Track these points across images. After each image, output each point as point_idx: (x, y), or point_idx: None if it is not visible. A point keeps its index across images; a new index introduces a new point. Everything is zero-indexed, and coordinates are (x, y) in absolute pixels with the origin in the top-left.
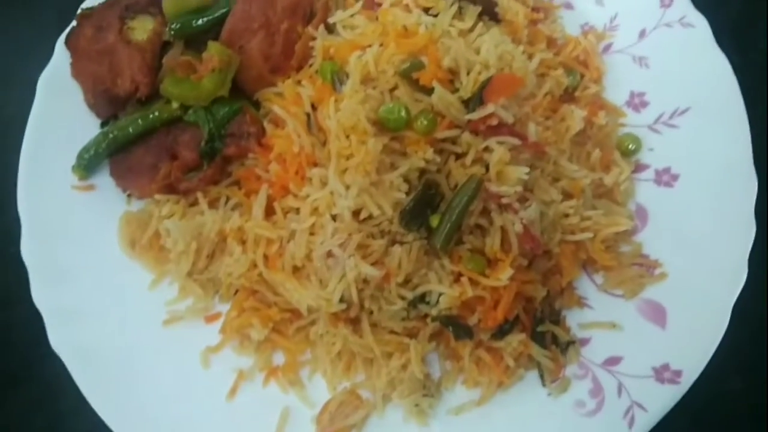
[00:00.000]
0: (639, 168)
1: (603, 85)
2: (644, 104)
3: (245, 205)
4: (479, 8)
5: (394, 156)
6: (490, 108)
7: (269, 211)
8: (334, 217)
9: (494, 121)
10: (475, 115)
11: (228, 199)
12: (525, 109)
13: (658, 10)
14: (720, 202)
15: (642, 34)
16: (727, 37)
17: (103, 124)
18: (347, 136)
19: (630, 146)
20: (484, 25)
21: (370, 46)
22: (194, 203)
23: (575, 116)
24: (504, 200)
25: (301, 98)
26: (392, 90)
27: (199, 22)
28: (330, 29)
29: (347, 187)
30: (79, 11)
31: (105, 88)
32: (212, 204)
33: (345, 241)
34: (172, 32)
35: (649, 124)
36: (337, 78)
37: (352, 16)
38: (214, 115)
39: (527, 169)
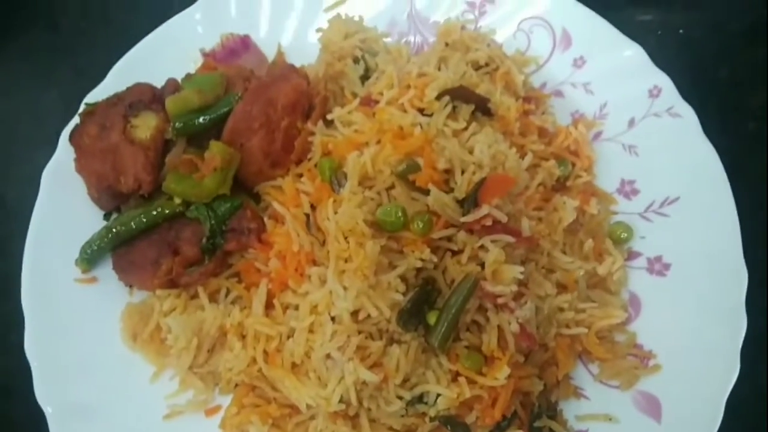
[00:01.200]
0: (631, 256)
1: (594, 172)
2: (635, 192)
3: (245, 298)
4: (472, 107)
5: (391, 255)
6: (484, 210)
7: (269, 305)
8: (332, 318)
9: (489, 221)
10: (470, 218)
11: (228, 291)
12: (518, 205)
13: (646, 100)
14: (711, 293)
15: (631, 122)
16: (715, 120)
17: (106, 217)
18: (345, 238)
19: (622, 235)
20: (477, 121)
21: (367, 143)
22: (195, 296)
23: (567, 207)
24: (500, 300)
25: (300, 197)
26: (389, 189)
27: (201, 120)
28: (328, 123)
29: (345, 289)
30: (82, 107)
31: (108, 184)
32: (212, 296)
33: (344, 344)
34: (175, 131)
35: (640, 212)
36: (335, 177)
37: (349, 112)
38: (215, 211)
39: (522, 269)
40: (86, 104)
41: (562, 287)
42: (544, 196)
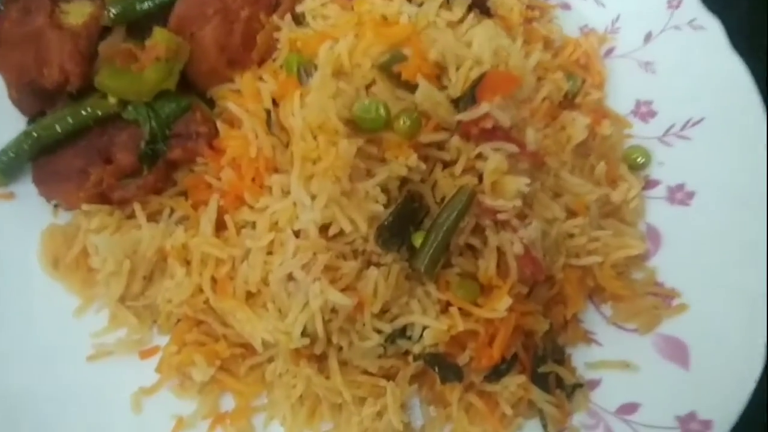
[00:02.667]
0: (649, 184)
1: (605, 92)
2: (652, 114)
3: (192, 218)
4: (468, 0)
5: (370, 162)
6: (484, 107)
7: (220, 226)
8: (296, 234)
9: (488, 124)
10: (466, 116)
11: (172, 211)
12: (523, 112)
13: (665, 12)
14: (741, 223)
15: (648, 37)
16: (741, 39)
17: (30, 123)
18: (314, 137)
19: (638, 159)
20: (475, 17)
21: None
22: (131, 216)
23: (577, 124)
24: (500, 216)
25: (260, 94)
26: (369, 86)
27: (144, 5)
28: (298, 20)
29: (313, 197)
30: None
31: (30, 79)
32: (153, 217)
33: (309, 262)
34: (112, 16)
35: (658, 135)
36: (304, 71)
37: (323, 5)
38: (157, 112)
39: (527, 180)
40: None
41: (571, 213)
42: (551, 113)
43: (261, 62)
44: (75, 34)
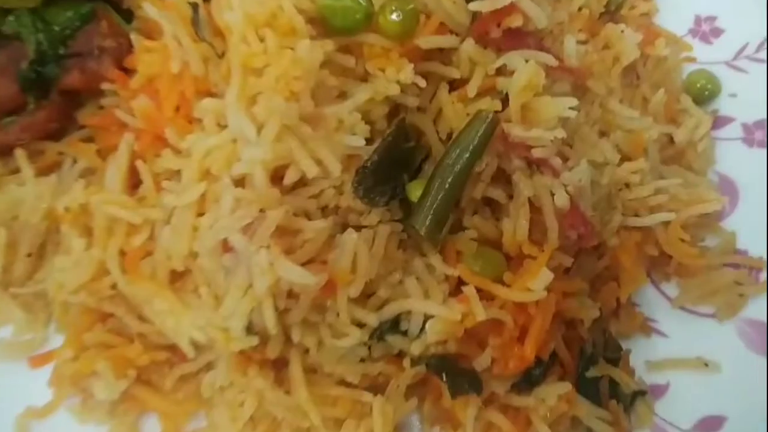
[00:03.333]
0: (719, 122)
1: (655, 4)
2: (716, 33)
3: (99, 171)
4: None
5: (344, 78)
6: None
7: (134, 180)
8: (238, 183)
9: (517, 21)
10: (484, 5)
11: (75, 162)
12: (559, 14)
13: None
14: None
15: None
16: None
17: None
18: (261, 39)
19: (705, 88)
20: None
21: None
22: (15, 170)
23: (626, 40)
24: (536, 153)
25: None
26: None
27: None
28: None
29: (260, 127)
30: None
31: None
32: (48, 171)
33: (253, 222)
34: None
35: (727, 59)
36: None
37: None
38: (47, 22)
39: (574, 101)
40: None
41: (624, 157)
42: (590, 27)
43: None
44: None
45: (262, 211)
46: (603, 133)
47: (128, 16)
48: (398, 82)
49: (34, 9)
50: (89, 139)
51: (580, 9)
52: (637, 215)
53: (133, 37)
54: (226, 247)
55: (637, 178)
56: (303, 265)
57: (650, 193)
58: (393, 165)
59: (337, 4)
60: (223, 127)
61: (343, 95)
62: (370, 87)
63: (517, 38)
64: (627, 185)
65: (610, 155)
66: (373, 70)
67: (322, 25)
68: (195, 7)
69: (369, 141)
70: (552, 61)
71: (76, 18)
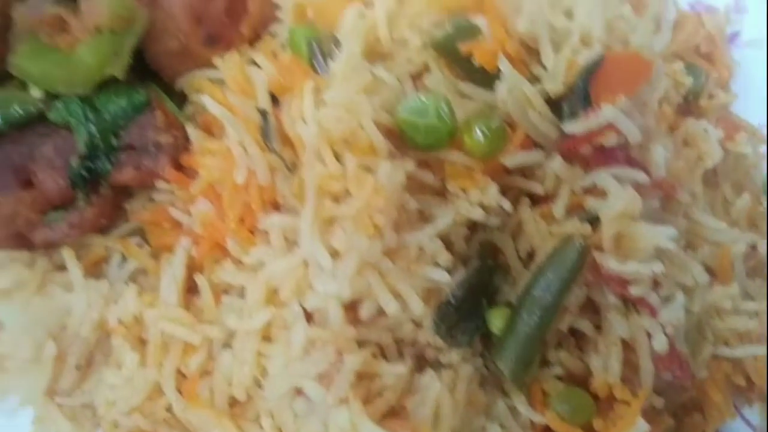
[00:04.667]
0: None
1: (732, 91)
2: None
3: (152, 272)
4: None
5: (423, 196)
6: (606, 113)
7: (192, 288)
8: (309, 314)
9: (611, 140)
10: (579, 127)
11: (124, 259)
12: (647, 120)
13: None
14: None
15: None
16: None
17: None
18: (337, 156)
19: None
20: None
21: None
22: (61, 266)
23: (710, 140)
24: (633, 291)
25: (252, 86)
26: (420, 75)
27: None
28: None
29: (336, 255)
30: None
31: None
32: (95, 269)
33: (330, 369)
34: None
35: None
36: (319, 51)
37: None
38: (98, 111)
39: (673, 232)
40: None
41: (710, 273)
42: (669, 121)
43: (254, 39)
44: None
45: (338, 355)
46: (689, 245)
47: (180, 98)
48: (482, 204)
49: (84, 96)
50: (138, 231)
51: (660, 101)
52: (726, 344)
53: (190, 131)
54: (298, 392)
55: (729, 304)
56: (385, 418)
57: (744, 323)
58: (476, 298)
59: (420, 121)
60: (291, 243)
61: (423, 216)
62: (451, 210)
63: (607, 154)
64: (718, 312)
65: (701, 277)
66: (454, 189)
67: (401, 138)
68: (264, 114)
69: (449, 268)
70: (643, 179)
71: (130, 107)
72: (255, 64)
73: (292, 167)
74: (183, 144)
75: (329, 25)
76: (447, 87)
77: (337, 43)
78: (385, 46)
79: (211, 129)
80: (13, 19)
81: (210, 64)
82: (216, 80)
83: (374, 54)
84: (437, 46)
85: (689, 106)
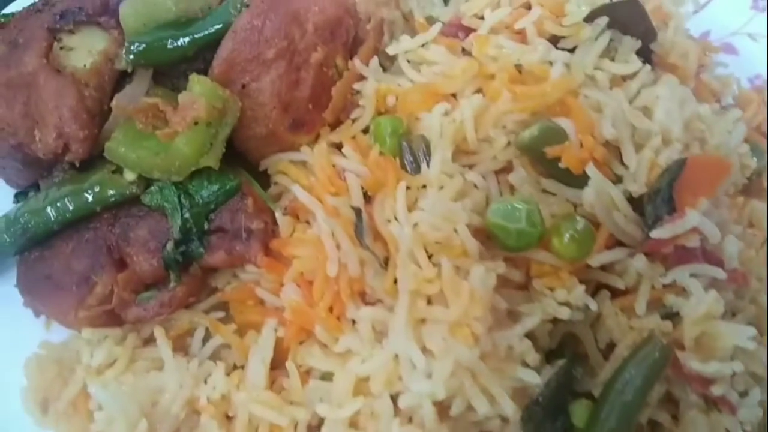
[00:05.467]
0: None
1: None
2: None
3: (237, 348)
4: (637, 42)
5: (508, 291)
6: (691, 219)
7: (277, 367)
8: (396, 405)
9: (694, 242)
10: (665, 233)
11: (207, 335)
12: (722, 211)
13: None
14: None
15: None
16: None
17: (17, 197)
18: (430, 255)
19: None
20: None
21: (455, 97)
22: (149, 341)
23: None
24: (715, 391)
25: (342, 180)
26: (503, 170)
27: (178, 42)
28: (387, 63)
29: (430, 356)
30: None
31: (17, 143)
32: (179, 343)
33: None
34: (133, 57)
35: None
36: (407, 147)
37: (424, 45)
38: (192, 197)
39: (753, 331)
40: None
41: None
42: (738, 206)
43: (336, 123)
44: (80, 81)
45: None
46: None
47: (265, 179)
48: (568, 303)
49: (178, 181)
50: (221, 306)
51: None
52: None
53: (279, 217)
54: None
55: None
56: None
57: None
58: (561, 395)
59: (511, 225)
60: (379, 334)
61: (512, 314)
62: (538, 309)
63: (688, 252)
64: None
65: None
66: (540, 287)
67: (488, 237)
68: (358, 212)
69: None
70: (721, 275)
71: (222, 192)
72: (340, 151)
73: (384, 264)
74: (272, 230)
75: (411, 114)
76: (531, 184)
77: (426, 142)
78: (471, 144)
79: (298, 213)
80: (112, 107)
81: (293, 147)
82: (298, 162)
83: (460, 151)
84: (524, 148)
85: (752, 185)
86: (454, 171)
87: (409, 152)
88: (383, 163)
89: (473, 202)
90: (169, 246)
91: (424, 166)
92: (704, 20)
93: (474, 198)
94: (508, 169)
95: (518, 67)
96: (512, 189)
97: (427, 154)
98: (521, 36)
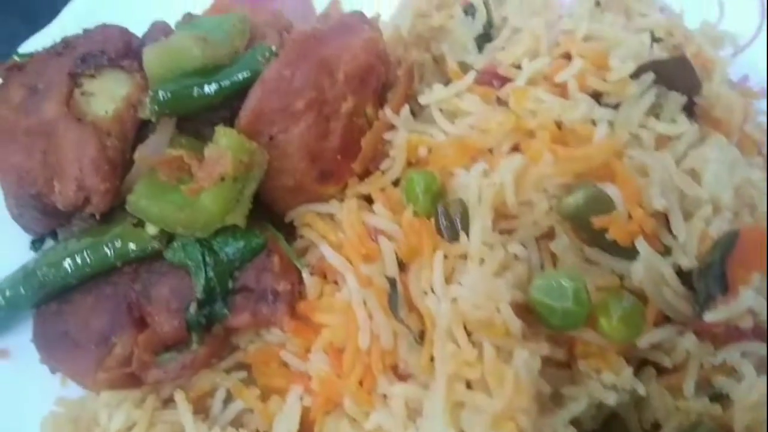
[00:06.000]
0: None
1: None
2: None
3: (261, 414)
4: (684, 98)
5: (551, 370)
6: (747, 299)
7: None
8: None
9: (747, 323)
10: (719, 315)
11: (230, 397)
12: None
13: None
14: None
15: None
16: None
17: (34, 244)
18: (469, 333)
19: None
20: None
21: (491, 152)
22: (169, 402)
23: None
24: None
25: (373, 242)
26: (543, 237)
27: (204, 90)
28: (417, 111)
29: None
30: (12, 59)
31: (36, 191)
32: (200, 404)
33: None
34: (157, 106)
35: None
36: (442, 210)
37: (458, 94)
38: (216, 254)
39: None
40: (17, 55)
41: None
42: None
43: (365, 174)
44: (101, 130)
45: None
46: None
47: (290, 229)
48: (615, 386)
49: (202, 237)
50: (243, 366)
51: None
52: None
53: (306, 277)
54: None
55: None
56: None
57: None
58: None
59: (557, 304)
60: (414, 413)
61: (556, 398)
62: (584, 393)
63: (740, 331)
64: None
65: None
66: (586, 369)
67: (531, 314)
68: (393, 283)
69: None
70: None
71: (248, 250)
72: (371, 206)
73: (420, 337)
74: (298, 289)
75: (444, 169)
76: (574, 252)
77: (463, 207)
78: (510, 208)
79: (325, 271)
80: (134, 158)
81: (320, 198)
82: (326, 216)
83: (498, 215)
84: (568, 217)
85: None
86: (494, 241)
87: (445, 217)
88: (418, 226)
89: (515, 276)
90: (193, 308)
91: (462, 234)
92: (742, 63)
93: (516, 271)
94: (549, 235)
95: (557, 124)
96: (554, 257)
97: (465, 219)
98: (561, 89)
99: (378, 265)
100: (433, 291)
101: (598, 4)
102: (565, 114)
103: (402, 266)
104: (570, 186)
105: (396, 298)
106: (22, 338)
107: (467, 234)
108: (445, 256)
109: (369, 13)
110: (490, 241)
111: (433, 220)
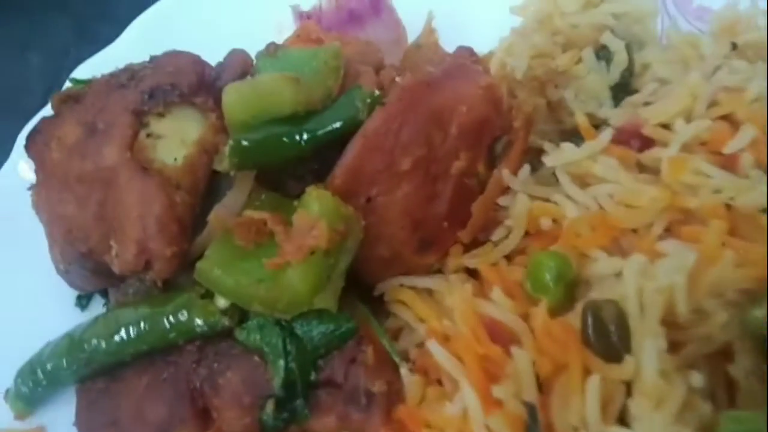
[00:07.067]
0: None
1: None
2: None
3: None
4: None
5: None
6: None
7: None
8: None
9: None
10: None
11: None
12: None
13: None
14: None
15: None
16: None
17: (80, 300)
18: None
19: None
20: None
21: (634, 231)
22: None
23: None
24: None
25: (489, 341)
26: (717, 353)
27: (295, 140)
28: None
29: None
30: (65, 88)
31: (87, 249)
32: None
33: None
34: (238, 158)
35: None
36: (595, 317)
37: (592, 157)
38: (299, 339)
39: None
40: (72, 81)
41: None
42: None
43: (472, 243)
44: (169, 182)
45: None
46: None
47: (377, 304)
48: None
49: (284, 318)
50: None
51: None
52: None
53: (405, 376)
54: None
55: None
56: None
57: None
58: None
59: None
60: None
61: None
62: None
63: None
64: None
65: None
66: None
67: None
68: (531, 410)
69: None
70: None
71: (336, 336)
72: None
73: None
74: (396, 390)
75: (576, 249)
76: (758, 379)
77: (619, 313)
78: (680, 313)
79: (428, 368)
80: (208, 219)
81: (417, 270)
82: (423, 292)
83: (666, 322)
84: (752, 333)
85: None
86: (670, 369)
87: (594, 327)
88: (560, 334)
89: (699, 419)
90: (270, 407)
91: (626, 354)
92: None
93: (699, 412)
94: (725, 352)
95: (726, 206)
96: (729, 384)
97: (623, 331)
98: (725, 159)
99: (511, 388)
100: (583, 422)
101: (734, 47)
102: (741, 197)
103: (541, 388)
104: (753, 292)
105: (535, 428)
106: (62, 413)
107: (628, 351)
108: (603, 382)
109: (465, 41)
110: (667, 370)
111: (574, 322)
